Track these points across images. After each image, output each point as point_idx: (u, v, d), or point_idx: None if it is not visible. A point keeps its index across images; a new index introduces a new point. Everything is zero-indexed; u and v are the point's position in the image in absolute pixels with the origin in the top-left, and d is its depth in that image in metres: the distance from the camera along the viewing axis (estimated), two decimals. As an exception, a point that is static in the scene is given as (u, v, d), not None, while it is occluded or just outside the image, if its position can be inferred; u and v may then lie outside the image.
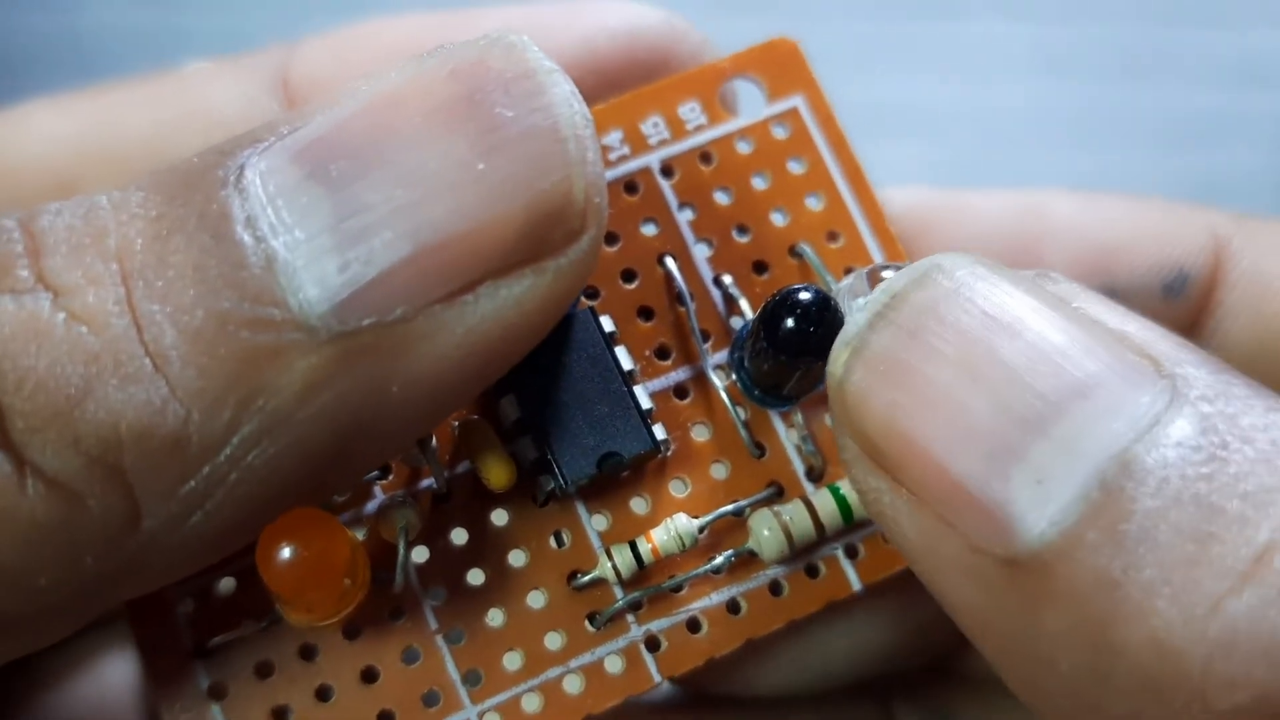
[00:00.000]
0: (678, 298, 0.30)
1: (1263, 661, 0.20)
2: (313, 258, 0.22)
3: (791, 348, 0.27)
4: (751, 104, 0.32)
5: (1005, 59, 0.77)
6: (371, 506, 0.29)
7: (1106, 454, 0.21)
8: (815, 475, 0.30)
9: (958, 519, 0.23)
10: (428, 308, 0.23)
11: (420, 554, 0.29)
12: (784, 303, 0.28)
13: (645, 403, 0.29)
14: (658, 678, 0.29)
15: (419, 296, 0.23)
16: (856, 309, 0.24)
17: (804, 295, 0.27)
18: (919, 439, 0.23)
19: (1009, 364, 0.23)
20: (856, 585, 0.30)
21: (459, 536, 0.29)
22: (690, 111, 0.31)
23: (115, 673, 0.36)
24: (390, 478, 0.29)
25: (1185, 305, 0.33)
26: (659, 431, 0.29)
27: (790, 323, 0.27)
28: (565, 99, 0.24)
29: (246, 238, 0.22)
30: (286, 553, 0.25)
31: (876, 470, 0.24)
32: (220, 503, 0.23)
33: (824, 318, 0.27)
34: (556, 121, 0.23)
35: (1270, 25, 0.79)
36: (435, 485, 0.29)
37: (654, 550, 0.29)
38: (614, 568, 0.29)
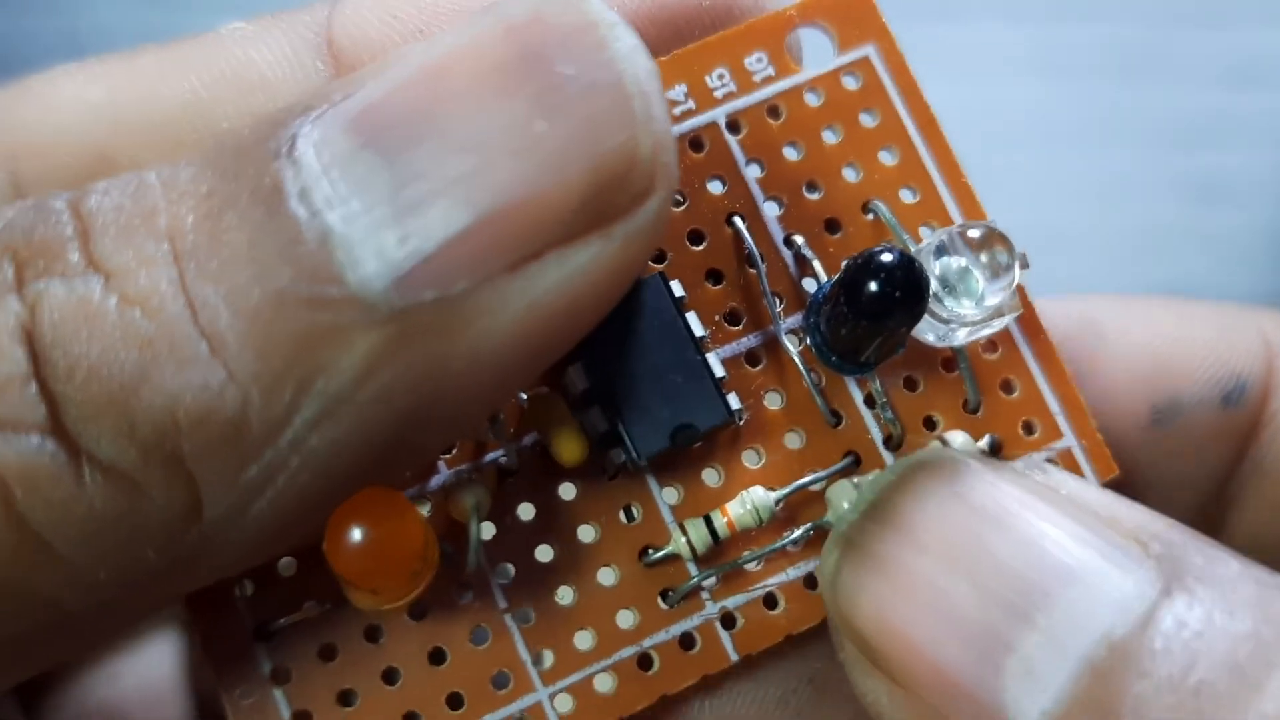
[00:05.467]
0: (747, 259, 0.29)
1: None
2: (371, 230, 0.21)
3: (875, 312, 0.26)
4: (820, 54, 0.30)
5: (1005, 60, 0.77)
6: (436, 481, 0.28)
7: (1093, 640, 0.22)
8: (894, 444, 0.29)
9: (954, 713, 0.23)
10: (491, 280, 0.22)
11: (487, 530, 0.28)
12: (866, 266, 0.26)
13: (719, 370, 0.28)
14: (734, 656, 0.28)
15: (482, 268, 0.22)
16: (844, 511, 0.25)
17: (887, 257, 0.26)
18: (910, 634, 0.23)
19: (994, 554, 0.23)
20: (937, 557, 0.29)
21: (526, 512, 0.28)
22: (757, 63, 0.30)
23: (159, 652, 0.35)
24: (455, 452, 0.28)
25: (1243, 414, 0.33)
26: (734, 401, 0.28)
27: (874, 286, 0.26)
28: (629, 52, 0.22)
29: (301, 211, 0.21)
30: (357, 535, 0.24)
31: (873, 672, 0.24)
32: (283, 489, 0.22)
33: (909, 280, 0.26)
34: (620, 77, 0.22)
35: (1270, 25, 0.79)
36: (504, 460, 0.27)
37: (729, 525, 0.28)
38: (688, 543, 0.28)
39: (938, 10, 0.76)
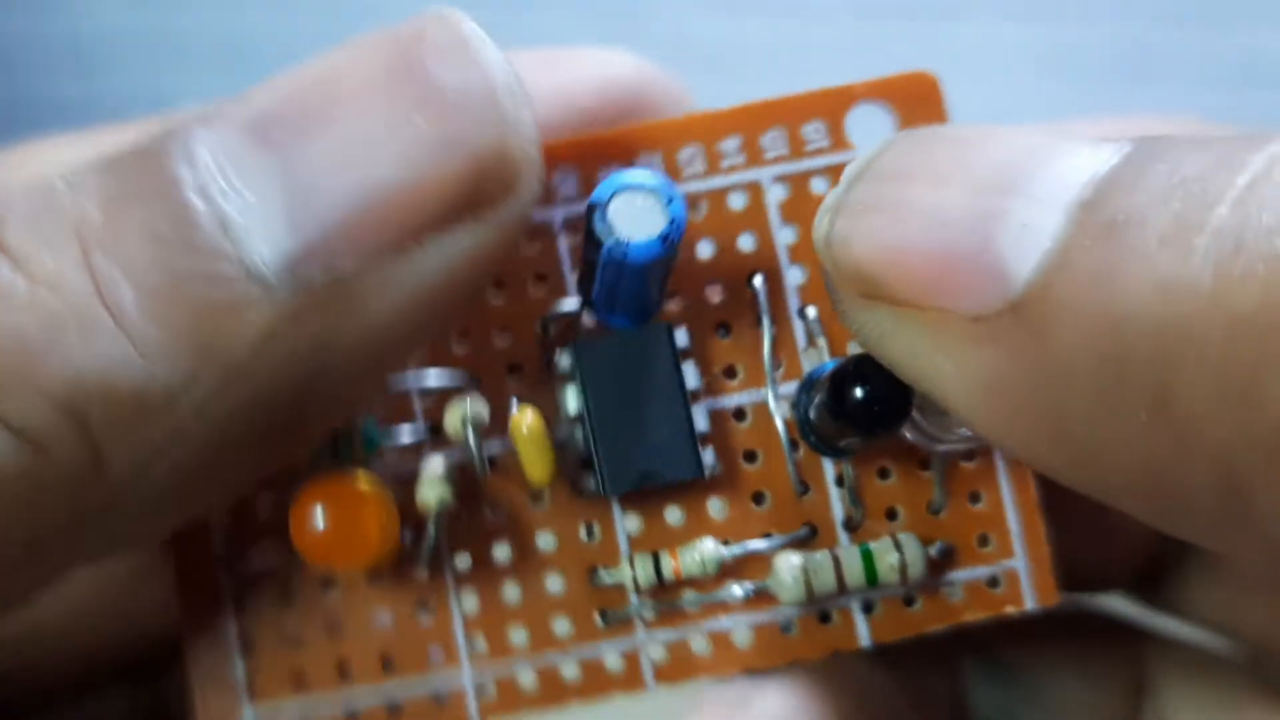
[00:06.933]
0: (758, 320, 0.30)
1: (1277, 238, 0.20)
2: (263, 218, 0.24)
3: (853, 418, 0.27)
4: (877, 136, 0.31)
5: (1006, 59, 0.76)
6: (416, 465, 0.29)
7: (1080, 184, 0.23)
8: (852, 526, 0.30)
9: (955, 298, 0.24)
10: (376, 261, 0.24)
11: (455, 517, 0.30)
12: (857, 370, 0.27)
13: (701, 424, 0.29)
14: (651, 684, 0.30)
15: (366, 251, 0.24)
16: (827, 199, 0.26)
17: (879, 368, 0.27)
18: (905, 245, 0.24)
19: (978, 159, 0.24)
20: (865, 641, 0.30)
21: (494, 509, 0.30)
22: (814, 132, 0.30)
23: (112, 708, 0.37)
24: (436, 437, 0.29)
25: None
26: (708, 457, 0.29)
27: (859, 394, 0.27)
28: (498, 61, 0.25)
29: (199, 203, 0.24)
30: (319, 523, 0.26)
31: (873, 303, 0.25)
32: (184, 453, 0.24)
33: (893, 396, 0.27)
34: (491, 82, 0.25)
35: (1270, 25, 0.77)
36: (477, 469, 0.29)
37: (676, 570, 0.29)
38: (633, 577, 0.29)
39: (940, 9, 0.76)
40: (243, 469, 0.26)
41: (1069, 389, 0.22)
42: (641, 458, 0.29)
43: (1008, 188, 0.23)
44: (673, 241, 0.26)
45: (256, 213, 0.24)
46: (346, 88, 0.24)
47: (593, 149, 0.30)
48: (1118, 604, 0.39)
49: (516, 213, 0.25)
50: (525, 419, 0.28)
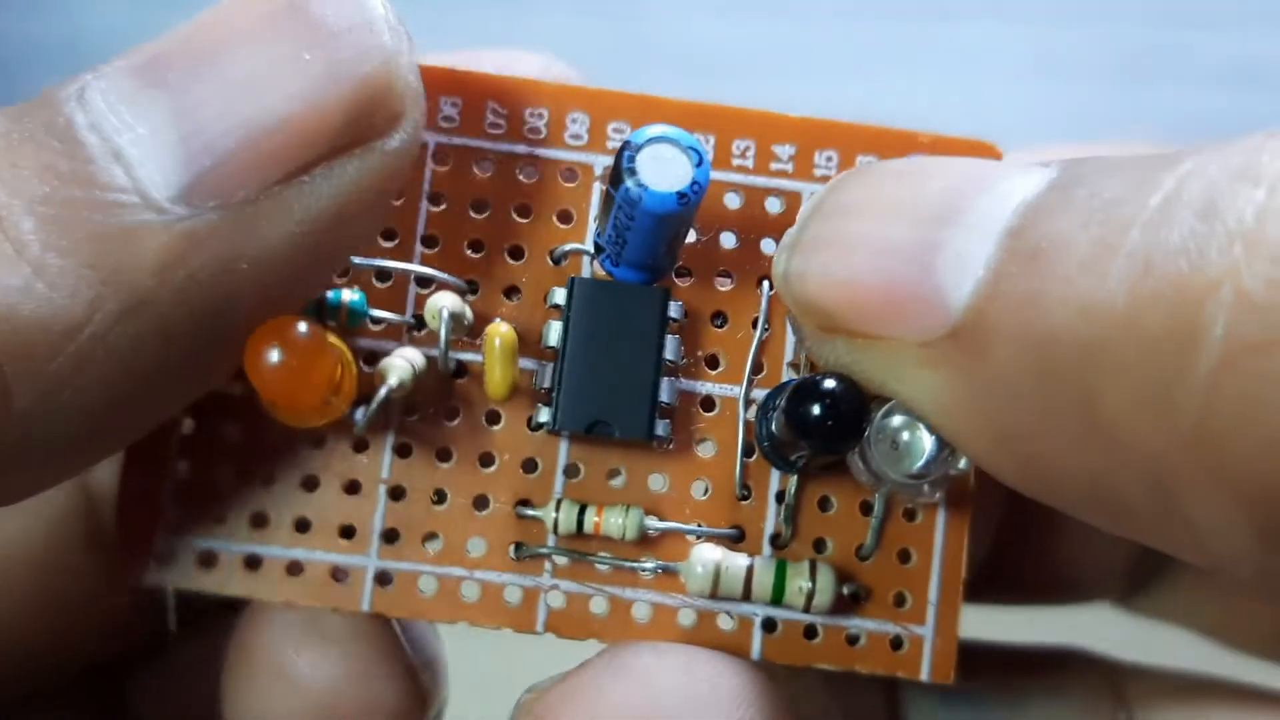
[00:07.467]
0: (754, 321, 0.31)
1: (1181, 259, 0.21)
2: (157, 150, 0.25)
3: (802, 427, 0.27)
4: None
5: (1005, 60, 0.76)
6: (393, 346, 0.30)
7: (1009, 212, 0.24)
8: (778, 543, 0.31)
9: (902, 327, 0.25)
10: (269, 190, 0.25)
11: (411, 413, 0.30)
12: (816, 383, 0.27)
13: (665, 396, 0.30)
14: (540, 628, 0.30)
15: (259, 179, 0.25)
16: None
17: (836, 385, 0.27)
18: (852, 277, 0.26)
19: (921, 194, 0.26)
20: (755, 654, 0.30)
21: (452, 415, 0.30)
22: (864, 163, 0.31)
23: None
24: (425, 332, 0.30)
25: None
26: (661, 428, 0.30)
27: (817, 409, 0.27)
28: (375, 2, 0.26)
29: (93, 139, 0.25)
30: (274, 357, 0.26)
31: (831, 335, 0.27)
32: (89, 380, 0.25)
33: (844, 413, 0.27)
34: (372, 18, 0.26)
35: (1270, 25, 0.78)
36: (440, 365, 0.29)
37: (597, 525, 0.30)
38: (555, 520, 0.30)
39: (938, 10, 0.76)
40: (152, 402, 0.27)
41: (1010, 408, 0.24)
42: (599, 406, 0.29)
43: (946, 218, 0.25)
44: (689, 202, 0.27)
45: (149, 144, 0.25)
46: (233, 29, 0.26)
47: (653, 109, 0.31)
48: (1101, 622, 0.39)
49: (404, 141, 0.26)
50: (499, 329, 0.29)
